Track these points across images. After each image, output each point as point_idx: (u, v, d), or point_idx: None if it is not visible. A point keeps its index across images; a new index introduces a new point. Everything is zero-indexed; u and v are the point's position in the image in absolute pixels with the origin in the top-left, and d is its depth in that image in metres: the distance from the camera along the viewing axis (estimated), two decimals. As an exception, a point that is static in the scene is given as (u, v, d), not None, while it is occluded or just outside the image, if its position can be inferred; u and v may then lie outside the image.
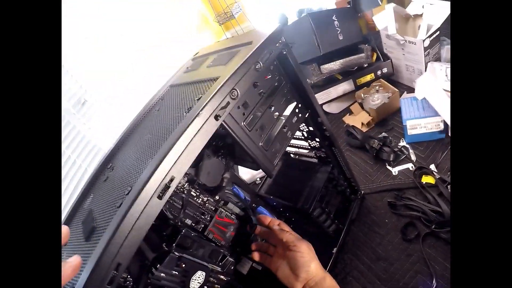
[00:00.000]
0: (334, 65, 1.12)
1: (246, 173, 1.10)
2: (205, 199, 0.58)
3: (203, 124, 0.35)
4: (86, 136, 1.18)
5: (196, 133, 0.35)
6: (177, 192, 0.51)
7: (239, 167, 1.10)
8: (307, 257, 0.53)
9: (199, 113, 0.35)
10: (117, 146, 0.54)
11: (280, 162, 0.84)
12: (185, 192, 0.52)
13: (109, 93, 1.39)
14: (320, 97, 1.18)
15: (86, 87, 1.44)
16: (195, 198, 0.56)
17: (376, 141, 0.95)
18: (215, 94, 0.36)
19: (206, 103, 0.36)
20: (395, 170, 0.92)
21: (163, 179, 0.33)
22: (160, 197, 0.33)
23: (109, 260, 0.31)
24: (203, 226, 0.59)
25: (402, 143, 0.98)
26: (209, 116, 0.36)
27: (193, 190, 0.55)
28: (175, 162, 0.33)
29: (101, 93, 1.49)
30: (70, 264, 0.28)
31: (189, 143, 0.34)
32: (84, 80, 1.43)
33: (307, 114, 0.58)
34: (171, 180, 0.33)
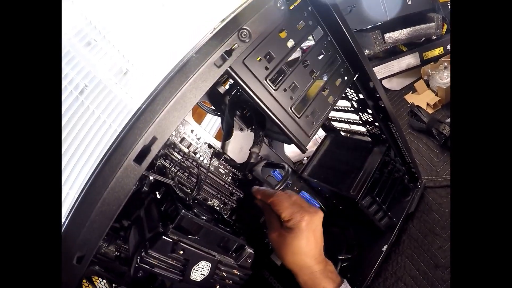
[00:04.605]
0: (399, 34, 0.97)
1: (291, 152, 1.01)
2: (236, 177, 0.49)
3: (196, 71, 0.27)
4: (128, 105, 1.14)
5: (186, 83, 0.26)
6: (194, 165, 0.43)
7: (285, 146, 1.00)
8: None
9: (191, 56, 0.26)
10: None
11: (328, 140, 0.72)
12: (202, 166, 0.44)
13: (153, 63, 1.33)
14: (380, 70, 1.05)
15: (128, 57, 1.42)
16: (224, 176, 0.47)
17: (447, 126, 0.79)
18: (215, 33, 0.28)
19: (203, 45, 0.27)
20: (466, 163, 0.76)
21: (140, 139, 0.26)
22: (138, 162, 0.26)
23: (69, 250, 0.25)
24: (231, 209, 0.50)
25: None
26: (206, 61, 0.27)
27: (221, 167, 0.46)
28: (156, 118, 0.26)
29: (144, 63, 1.45)
30: None
31: (175, 95, 0.26)
32: (126, 49, 1.39)
33: (355, 76, 0.45)
34: (153, 141, 0.26)
